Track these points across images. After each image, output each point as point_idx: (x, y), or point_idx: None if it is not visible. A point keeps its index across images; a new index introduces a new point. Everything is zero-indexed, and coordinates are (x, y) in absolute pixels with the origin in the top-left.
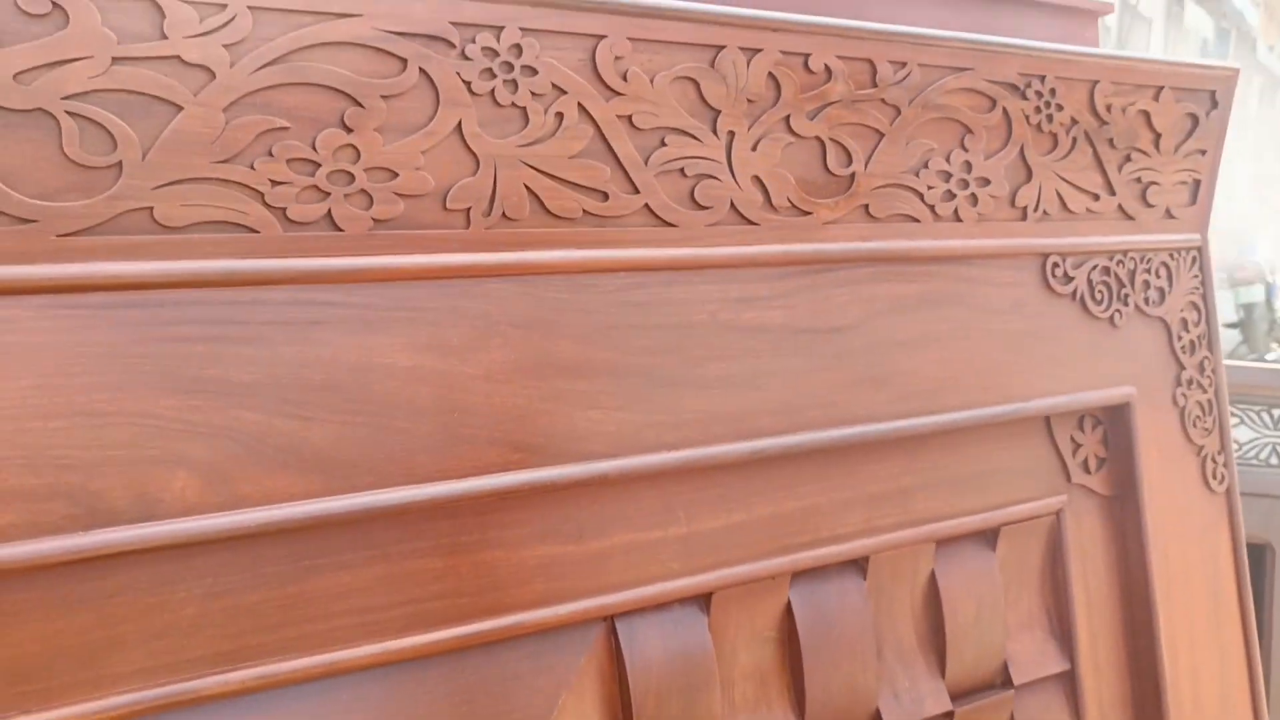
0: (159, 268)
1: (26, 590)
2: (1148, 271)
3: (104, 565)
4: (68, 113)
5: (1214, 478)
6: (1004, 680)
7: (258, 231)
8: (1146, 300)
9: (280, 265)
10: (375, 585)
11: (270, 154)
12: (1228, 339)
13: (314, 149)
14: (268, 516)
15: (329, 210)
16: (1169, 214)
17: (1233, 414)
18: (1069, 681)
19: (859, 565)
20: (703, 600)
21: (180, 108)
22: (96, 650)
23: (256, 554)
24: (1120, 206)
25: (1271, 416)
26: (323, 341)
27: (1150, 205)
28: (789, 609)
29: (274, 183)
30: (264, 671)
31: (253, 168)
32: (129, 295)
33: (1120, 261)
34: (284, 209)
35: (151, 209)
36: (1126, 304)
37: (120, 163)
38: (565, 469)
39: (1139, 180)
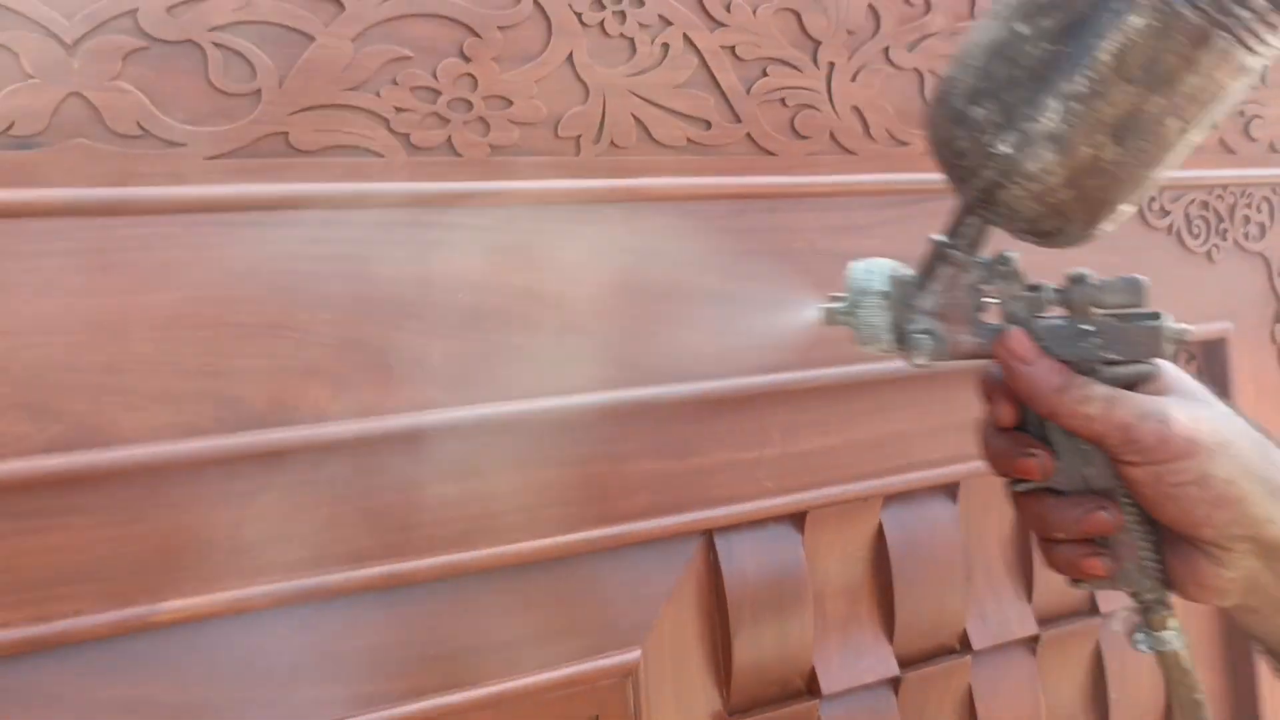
0: (295, 189)
1: (182, 485)
2: (1248, 206)
3: (247, 465)
4: (213, 43)
5: None
6: (1091, 608)
7: (383, 156)
8: (1246, 235)
9: (404, 188)
10: (490, 493)
11: (395, 82)
12: None
13: (435, 77)
14: (392, 425)
15: (449, 136)
16: (1273, 148)
17: None
18: None
19: (950, 491)
20: (797, 519)
21: (313, 38)
22: (237, 545)
23: (381, 460)
24: (1221, 140)
25: None
26: (444, 260)
27: (1253, 139)
28: (880, 530)
29: (398, 109)
30: (388, 570)
31: (379, 95)
32: (268, 214)
33: (1219, 196)
34: (407, 135)
35: (287, 134)
36: (1225, 239)
37: (259, 90)
38: (670, 388)
39: (1242, 114)
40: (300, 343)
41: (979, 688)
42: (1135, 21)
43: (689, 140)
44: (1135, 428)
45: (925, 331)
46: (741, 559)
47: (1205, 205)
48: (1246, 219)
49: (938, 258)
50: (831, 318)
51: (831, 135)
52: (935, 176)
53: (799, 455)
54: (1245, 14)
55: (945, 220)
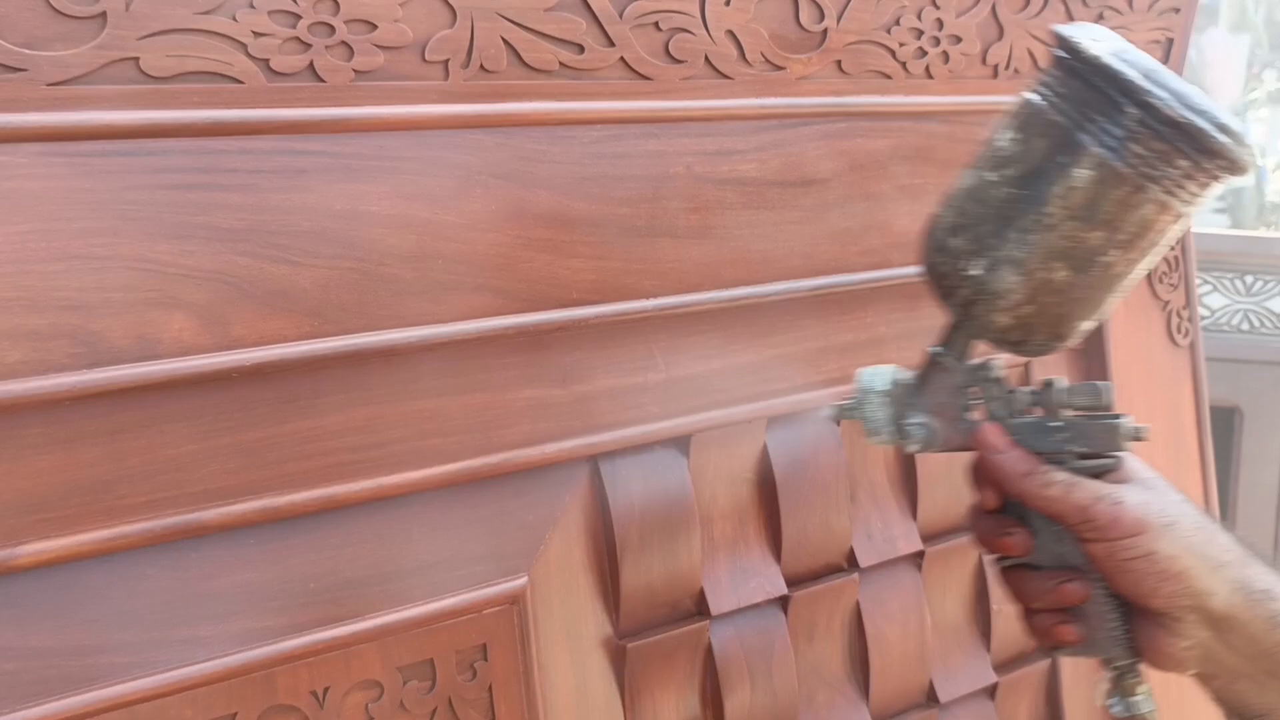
0: (147, 116)
1: (39, 425)
2: None
3: (108, 402)
4: None
5: (1179, 332)
6: None
7: (242, 82)
8: None
9: (265, 115)
10: (367, 425)
11: (252, 5)
12: (1215, 223)
13: (294, 1)
14: (262, 356)
15: (311, 61)
16: None
17: (1206, 281)
18: None
19: None
20: (682, 443)
21: None
22: (105, 483)
23: (252, 394)
24: None
25: (1244, 283)
26: (309, 189)
27: None
28: (765, 452)
29: (256, 34)
30: (264, 505)
31: (235, 19)
32: (120, 144)
33: None
34: (267, 60)
35: (138, 59)
36: None
37: (105, 13)
38: (548, 314)
39: None
40: (161, 275)
41: (866, 604)
42: (1079, 173)
43: (561, 64)
44: (1090, 508)
45: (919, 424)
46: (627, 484)
47: None
48: None
49: (931, 364)
50: (841, 413)
51: (707, 59)
52: (811, 101)
53: (682, 380)
54: (1172, 171)
55: (939, 333)
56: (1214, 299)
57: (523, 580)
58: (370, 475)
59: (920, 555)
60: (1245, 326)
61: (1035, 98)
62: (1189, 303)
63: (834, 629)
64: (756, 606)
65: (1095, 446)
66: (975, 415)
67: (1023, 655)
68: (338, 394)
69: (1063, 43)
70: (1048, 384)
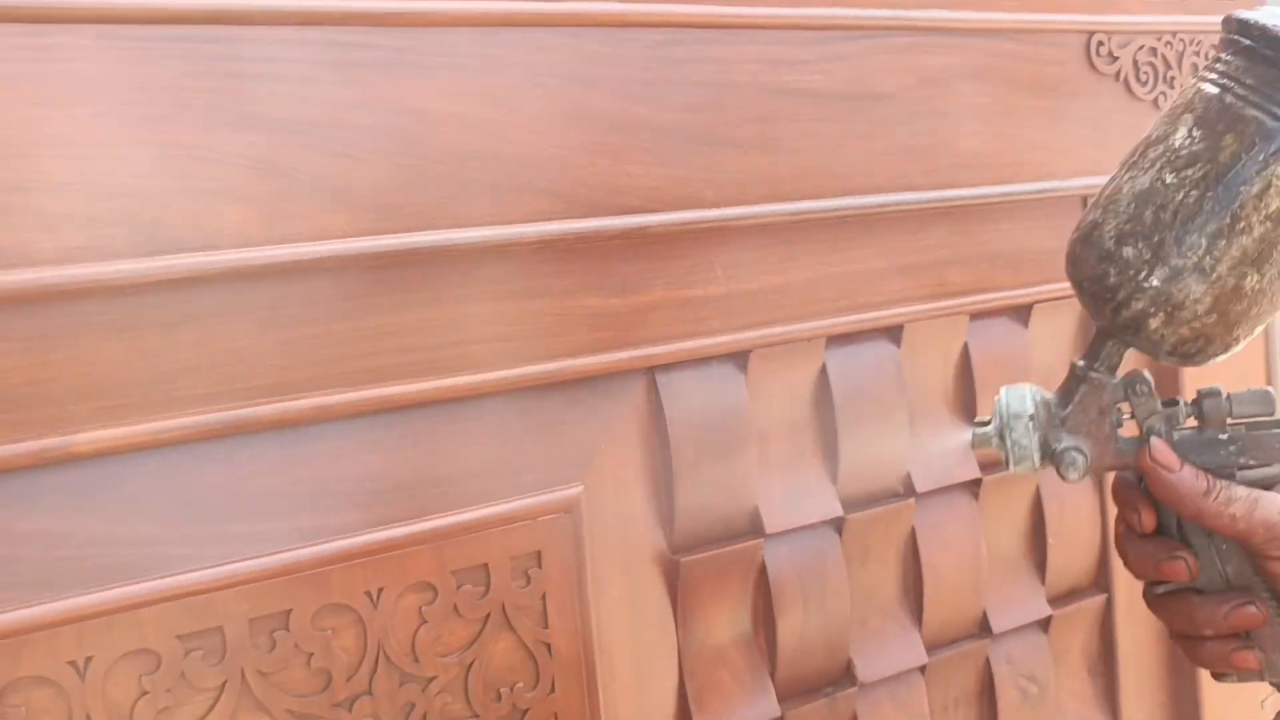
0: (210, 2)
1: (99, 313)
2: (1196, 54)
3: (167, 291)
4: None
5: None
6: None
7: None
8: None
9: (326, 5)
10: (425, 326)
11: None
12: None
13: None
14: (321, 251)
15: None
16: None
17: None
18: None
19: (892, 334)
20: (740, 358)
21: None
22: (164, 374)
23: (311, 290)
24: None
25: None
26: (369, 84)
27: None
28: (824, 372)
29: None
30: (320, 402)
31: None
32: (181, 29)
33: (1168, 43)
34: None
35: None
36: (1172, 86)
37: None
38: (607, 220)
39: None
40: (221, 164)
41: (922, 530)
42: (1277, 170)
43: None
44: (1278, 525)
45: (1074, 449)
46: (684, 398)
47: (1154, 52)
48: (1195, 67)
49: (1078, 379)
50: (983, 441)
51: None
52: (879, 13)
53: (743, 294)
54: None
55: (1085, 347)
56: None
57: (578, 489)
58: (427, 377)
59: (977, 484)
60: None
61: (1213, 89)
62: None
63: (888, 554)
64: (811, 527)
65: (1267, 458)
66: (1126, 433)
67: (1077, 590)
68: (396, 294)
69: (1249, 29)
70: (1206, 393)
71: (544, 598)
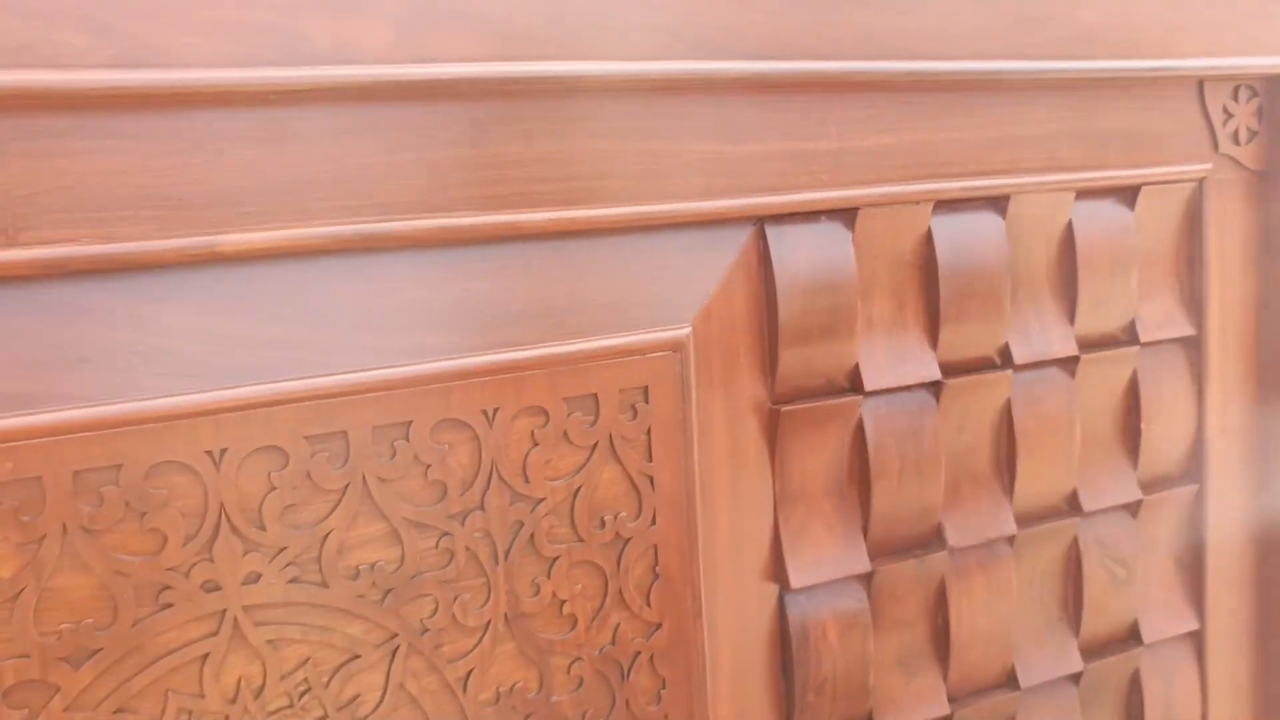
0: None
1: (244, 121)
2: None
3: (307, 102)
4: None
5: None
6: (1130, 337)
7: None
8: None
9: None
10: (549, 158)
11: None
12: None
13: None
14: (455, 71)
15: None
16: None
17: None
18: (1194, 346)
19: (999, 205)
20: (848, 216)
21: None
22: (299, 185)
23: (444, 113)
24: None
25: None
26: None
27: None
28: (929, 237)
29: None
30: (447, 223)
31: None
32: None
33: None
34: None
35: None
36: None
37: None
38: (726, 64)
39: None
40: None
41: (1018, 403)
42: None
43: None
44: None
45: None
46: (792, 251)
47: None
48: None
49: None
50: None
51: None
52: None
53: (853, 151)
54: None
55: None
56: None
57: (686, 330)
58: (549, 207)
59: (1074, 361)
60: None
61: None
62: None
63: (984, 424)
64: (909, 389)
65: None
66: None
67: (1169, 478)
68: (523, 123)
69: None
70: None
71: (649, 432)
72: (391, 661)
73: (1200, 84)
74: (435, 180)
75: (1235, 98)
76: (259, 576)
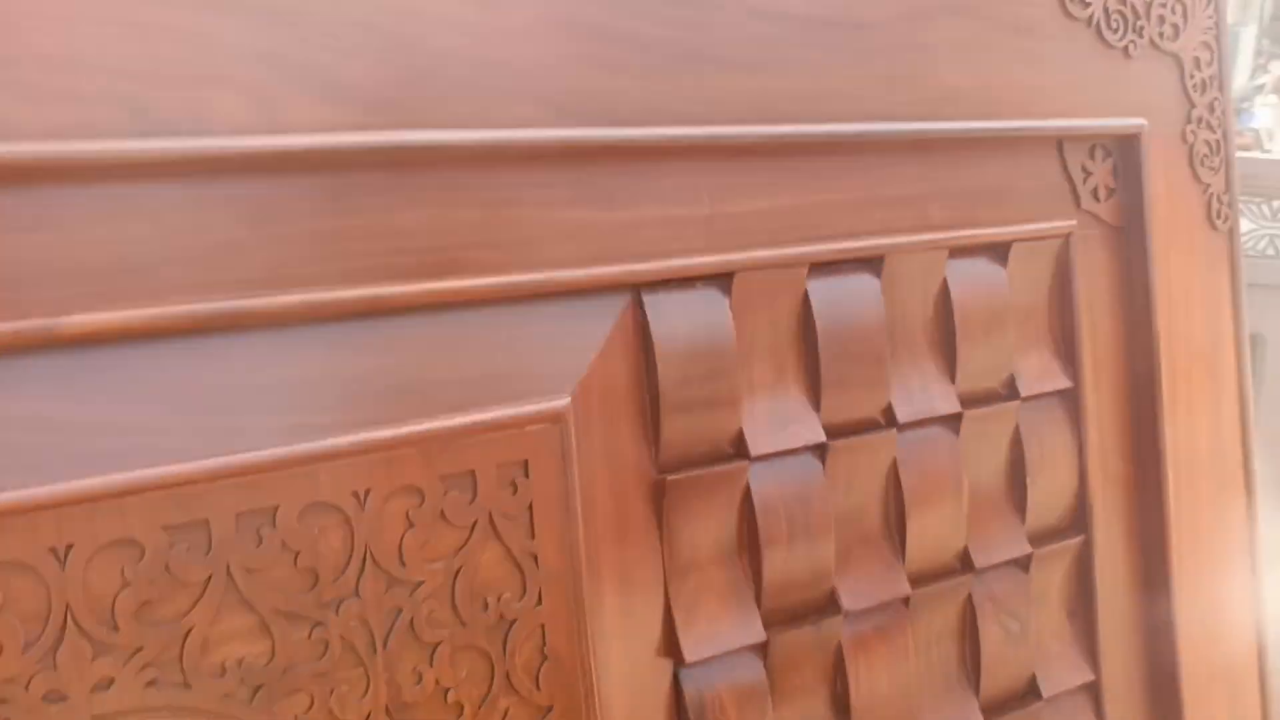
0: None
1: (85, 196)
2: (1163, 6)
3: (157, 174)
4: None
5: (1218, 217)
6: (1010, 392)
7: None
8: (1161, 35)
9: None
10: (415, 229)
11: None
12: None
13: None
14: (312, 143)
15: None
16: None
17: None
18: (1072, 399)
19: (874, 266)
20: (725, 282)
21: None
22: (150, 262)
23: (302, 185)
24: None
25: (1271, 208)
26: None
27: None
28: (806, 300)
29: None
30: (311, 299)
31: None
32: None
33: None
34: None
35: None
36: (1141, 36)
37: None
38: (595, 131)
39: None
40: (213, 50)
41: (904, 462)
42: None
43: None
44: None
45: None
46: (670, 318)
47: (1124, 1)
48: (1162, 18)
49: None
50: None
51: None
52: None
53: (728, 216)
54: None
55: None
56: (1240, 224)
57: (565, 401)
58: (414, 279)
59: (958, 418)
60: (1270, 252)
61: None
62: (1229, 188)
63: (872, 485)
64: (795, 453)
65: None
66: None
67: (1056, 530)
68: (386, 194)
69: None
70: None
71: (531, 508)
72: None
73: (1060, 144)
74: (295, 254)
75: (1092, 156)
76: (111, 682)
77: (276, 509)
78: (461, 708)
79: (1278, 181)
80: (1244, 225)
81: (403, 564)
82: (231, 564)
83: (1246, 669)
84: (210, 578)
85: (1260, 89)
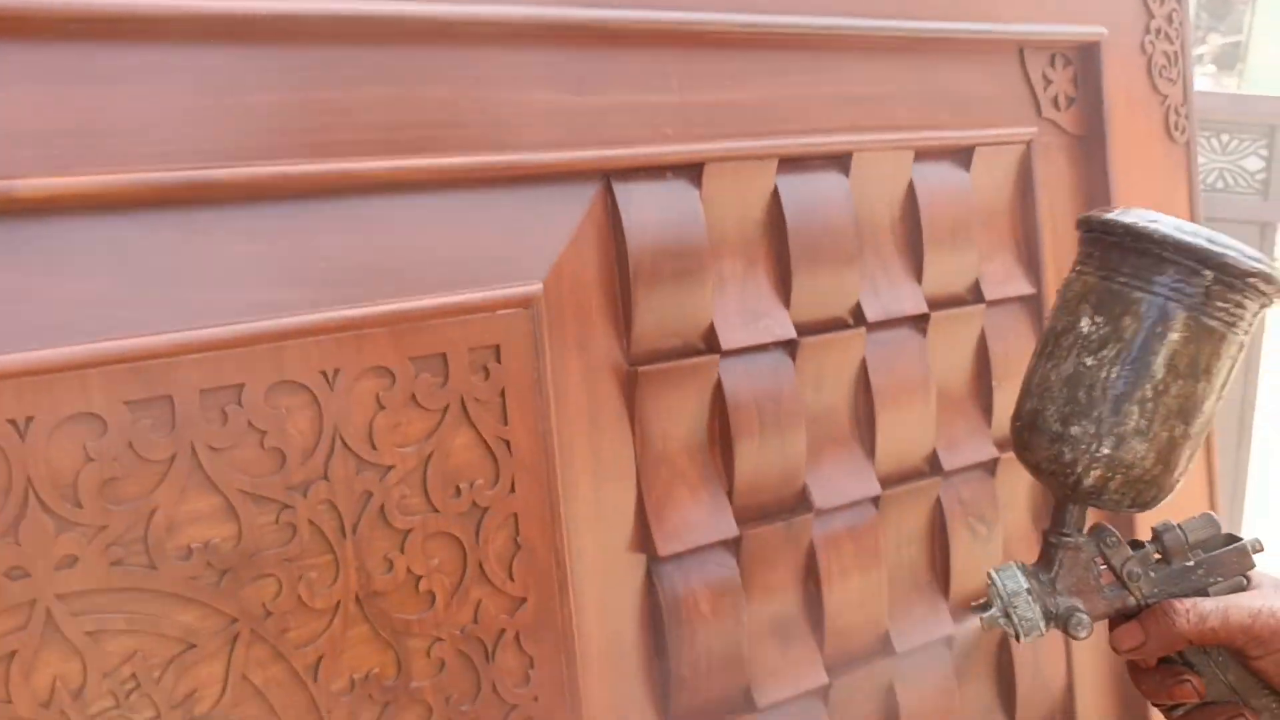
0: None
1: (31, 55)
2: None
3: (113, 36)
4: None
5: (1176, 129)
6: (975, 297)
7: None
8: None
9: None
10: (384, 105)
11: None
12: None
13: None
14: (274, 8)
15: None
16: None
17: None
18: (1035, 305)
19: (842, 164)
20: (695, 173)
21: None
22: (108, 129)
23: (263, 55)
24: None
25: (1220, 142)
26: None
27: None
28: (776, 195)
29: None
30: (275, 171)
31: None
32: None
33: None
34: None
35: None
36: None
37: None
38: (566, 10)
39: None
40: None
41: (873, 362)
42: (1174, 337)
43: None
44: (1252, 627)
45: (1075, 609)
46: (641, 208)
47: None
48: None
49: (1054, 547)
50: (991, 623)
51: None
52: None
53: (698, 106)
54: (1246, 312)
55: (1053, 516)
56: None
57: (537, 287)
58: (387, 155)
59: (925, 319)
60: (1220, 185)
61: (1096, 279)
62: (1186, 99)
63: (842, 383)
64: (766, 349)
65: (1230, 573)
66: (1105, 580)
67: None
68: (356, 68)
69: (1113, 228)
70: (1162, 529)
71: (503, 393)
72: (232, 650)
73: (1021, 51)
74: (258, 126)
75: (1053, 65)
76: (75, 560)
77: (242, 387)
78: (433, 597)
79: (1225, 114)
80: None
81: (373, 447)
82: (196, 442)
83: None
84: (174, 456)
85: (1200, 59)
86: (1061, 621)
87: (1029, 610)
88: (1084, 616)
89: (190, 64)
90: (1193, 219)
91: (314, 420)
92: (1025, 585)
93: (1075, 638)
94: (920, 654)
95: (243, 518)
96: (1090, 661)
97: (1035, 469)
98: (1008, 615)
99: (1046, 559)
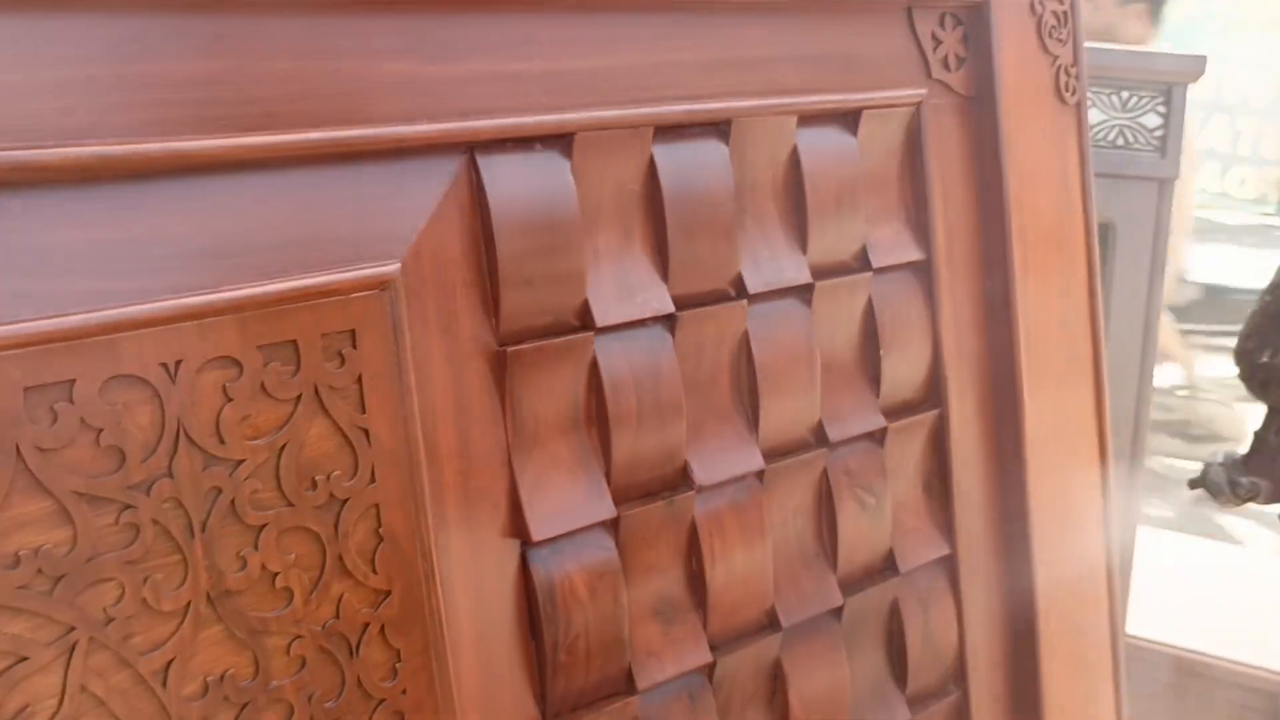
0: None
1: None
2: None
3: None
4: None
5: (1067, 90)
6: (863, 264)
7: None
8: None
9: None
10: (220, 78)
11: None
12: None
13: None
14: None
15: None
16: None
17: None
18: (925, 271)
19: (721, 131)
20: (565, 143)
21: None
22: None
23: (85, 23)
24: None
25: (1120, 99)
26: None
27: None
28: (652, 165)
29: None
30: (104, 151)
31: None
32: None
33: None
34: None
35: None
36: None
37: None
38: None
39: None
40: None
41: (755, 334)
42: None
43: None
44: None
45: (1251, 483)
46: (508, 181)
47: None
48: None
49: (1257, 441)
50: (1194, 482)
51: None
52: None
53: (567, 73)
54: None
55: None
56: (1091, 114)
57: (394, 267)
58: (226, 132)
59: (810, 289)
60: (1120, 142)
61: None
62: (1077, 60)
63: (723, 357)
64: (643, 324)
65: None
66: None
67: (911, 404)
68: (190, 39)
69: None
70: None
71: (360, 380)
72: (69, 661)
73: (909, 10)
74: (84, 101)
75: (942, 25)
76: None
77: (73, 383)
78: (291, 593)
79: (1125, 70)
80: (1095, 116)
81: (221, 441)
82: (21, 444)
83: (1095, 536)
84: None
85: None
86: (1238, 490)
87: (1218, 476)
88: (1252, 487)
89: (8, 32)
90: (1083, 181)
91: (155, 415)
92: (1222, 461)
93: (1246, 502)
94: (808, 628)
95: (78, 521)
96: (984, 627)
97: (1254, 382)
98: (1206, 476)
99: (1250, 449)
